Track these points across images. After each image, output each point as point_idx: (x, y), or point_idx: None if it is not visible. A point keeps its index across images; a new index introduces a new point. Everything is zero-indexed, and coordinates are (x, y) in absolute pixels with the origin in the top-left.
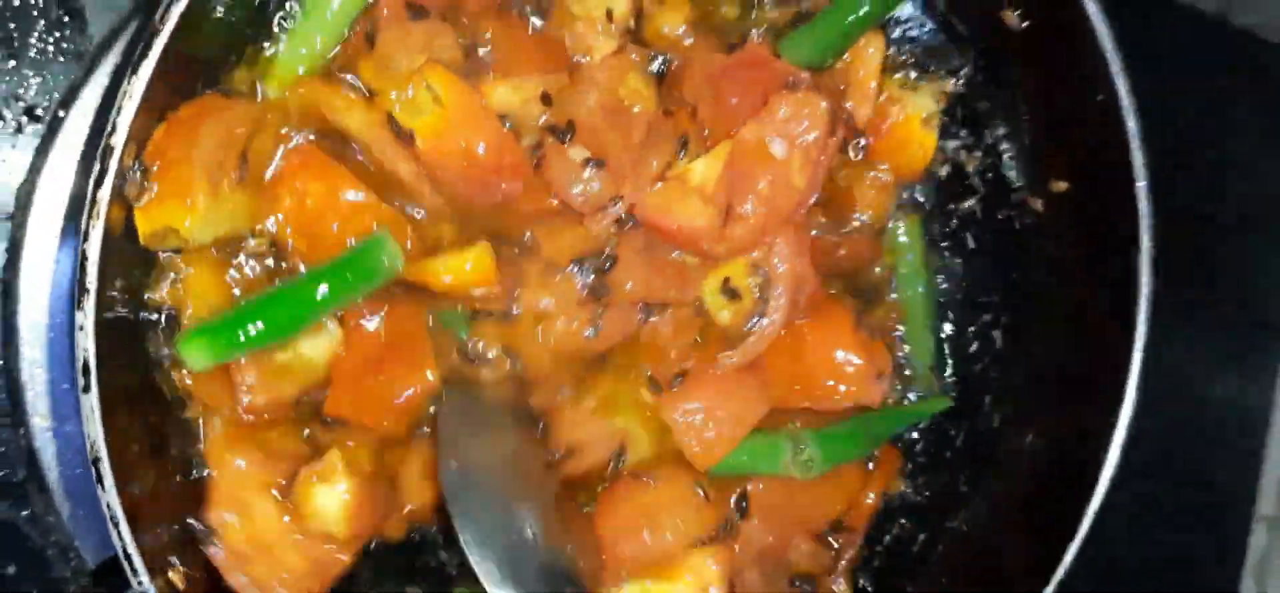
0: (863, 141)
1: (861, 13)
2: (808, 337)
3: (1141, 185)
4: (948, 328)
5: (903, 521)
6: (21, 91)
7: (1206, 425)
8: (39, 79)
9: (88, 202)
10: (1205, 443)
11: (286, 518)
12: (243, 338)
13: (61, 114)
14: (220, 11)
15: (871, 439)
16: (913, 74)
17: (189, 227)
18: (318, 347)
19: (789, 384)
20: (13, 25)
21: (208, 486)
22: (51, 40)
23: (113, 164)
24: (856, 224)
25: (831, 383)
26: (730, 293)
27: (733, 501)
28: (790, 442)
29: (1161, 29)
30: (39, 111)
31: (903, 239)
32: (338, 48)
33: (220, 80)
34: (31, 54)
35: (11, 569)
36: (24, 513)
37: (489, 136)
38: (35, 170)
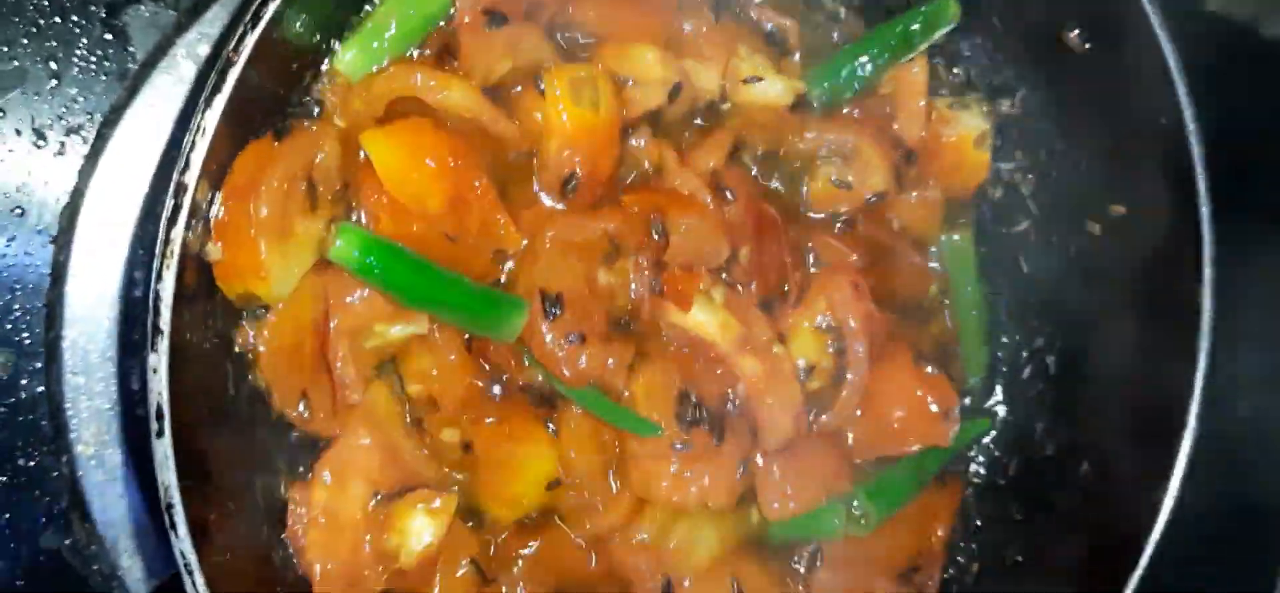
0: (914, 162)
1: (881, 56)
2: (872, 387)
3: (1205, 211)
4: (1000, 353)
5: (957, 553)
6: (65, 112)
7: (1247, 439)
8: (82, 99)
9: (160, 241)
10: (1247, 457)
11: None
12: (373, 262)
13: (105, 134)
14: (297, 27)
15: (921, 478)
16: (962, 94)
17: (268, 289)
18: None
19: (857, 435)
20: (55, 44)
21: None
22: (94, 59)
23: (186, 201)
24: (907, 250)
25: (901, 429)
26: (808, 370)
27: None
28: (842, 503)
29: (1189, 37)
30: (83, 132)
31: (957, 247)
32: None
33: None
34: (74, 73)
35: None
36: (67, 541)
37: (610, 152)
38: (79, 192)
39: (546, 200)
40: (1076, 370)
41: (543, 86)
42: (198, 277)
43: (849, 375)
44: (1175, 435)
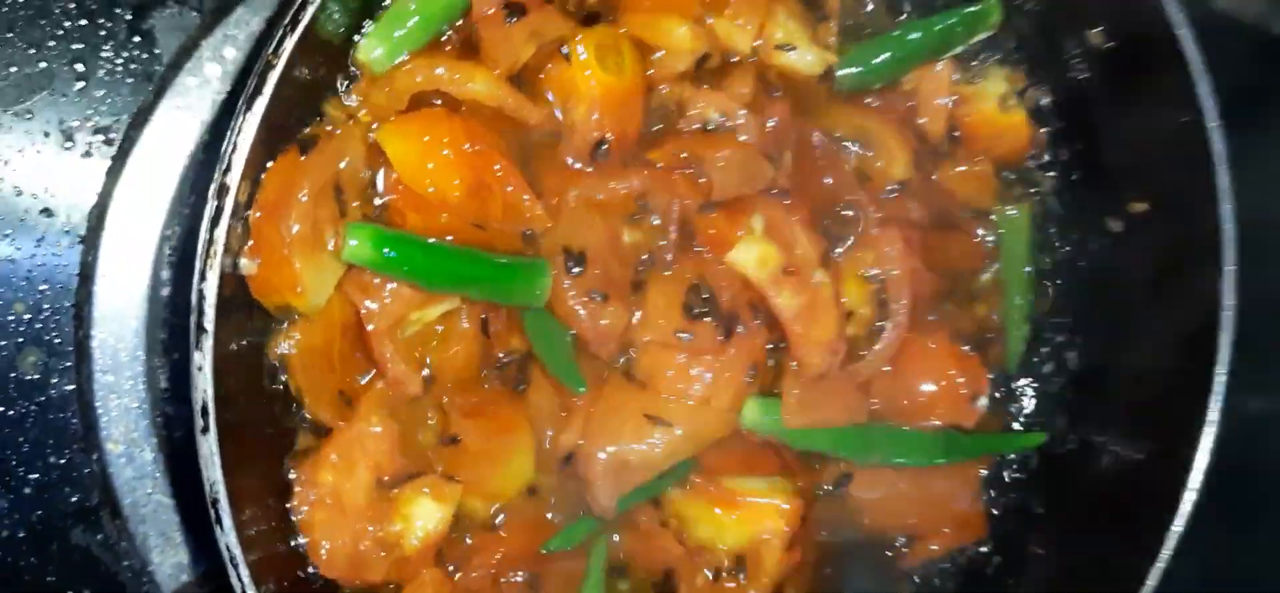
0: (957, 141)
1: (918, 50)
2: (906, 355)
3: (1227, 208)
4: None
5: (976, 544)
6: (92, 113)
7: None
8: (109, 101)
9: (204, 241)
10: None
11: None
12: (391, 254)
13: (132, 136)
14: (330, 26)
15: (937, 453)
16: (980, 66)
17: (305, 301)
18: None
19: (882, 397)
20: (81, 46)
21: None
22: (121, 61)
23: (228, 203)
24: (963, 217)
25: (926, 402)
26: (846, 315)
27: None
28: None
29: (1196, 35)
30: (110, 133)
31: (1013, 221)
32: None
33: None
34: (101, 75)
35: None
36: (98, 538)
37: (637, 114)
38: (106, 193)
39: (577, 167)
40: (1098, 365)
41: (567, 52)
42: (235, 285)
43: (888, 326)
44: (1197, 430)
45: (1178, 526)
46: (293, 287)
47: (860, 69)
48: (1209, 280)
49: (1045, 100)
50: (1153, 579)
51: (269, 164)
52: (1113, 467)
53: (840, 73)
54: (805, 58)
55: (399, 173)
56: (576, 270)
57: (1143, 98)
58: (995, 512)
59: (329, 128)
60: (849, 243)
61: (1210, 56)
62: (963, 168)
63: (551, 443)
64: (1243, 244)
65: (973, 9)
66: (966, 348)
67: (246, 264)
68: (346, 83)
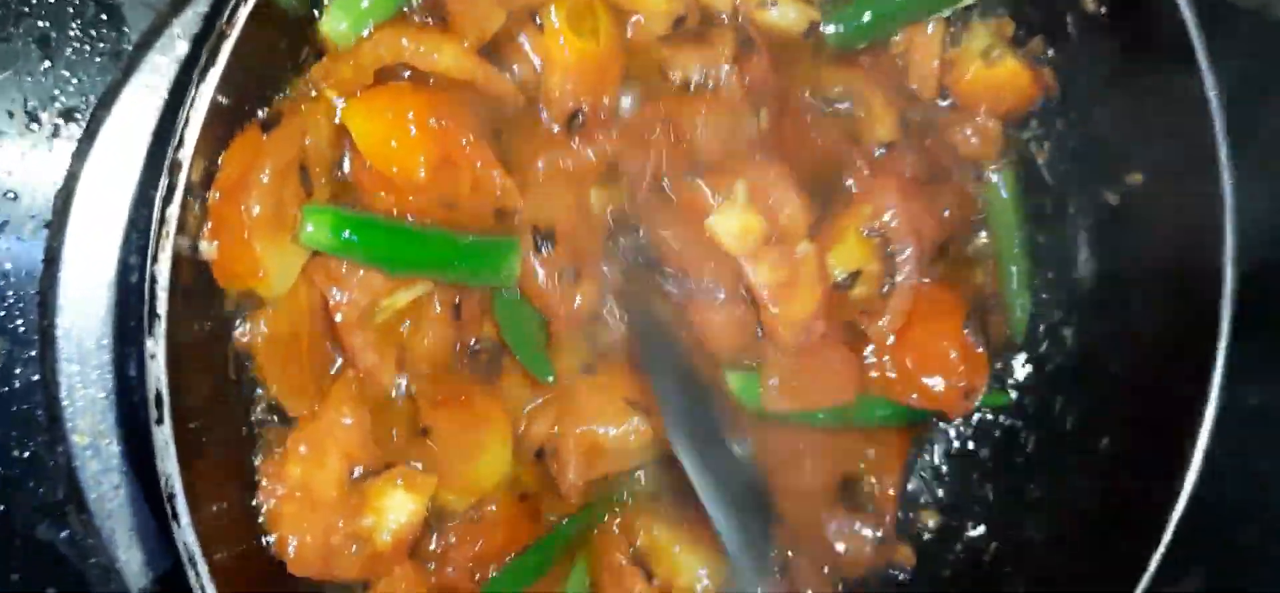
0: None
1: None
2: (918, 339)
3: (1227, 180)
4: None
5: (972, 529)
6: (57, 94)
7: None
8: (75, 81)
9: (155, 221)
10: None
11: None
12: (350, 238)
13: (100, 116)
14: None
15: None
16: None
17: (268, 287)
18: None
19: (879, 372)
20: (47, 24)
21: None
22: (88, 40)
23: (181, 180)
24: (958, 173)
25: (922, 389)
26: (852, 276)
27: None
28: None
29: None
30: (77, 114)
31: (993, 188)
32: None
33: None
34: (67, 54)
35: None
36: (63, 534)
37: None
38: (73, 176)
39: (552, 133)
40: (1095, 344)
41: (540, 22)
42: (195, 268)
43: (898, 279)
44: (1198, 414)
45: (1178, 511)
46: (254, 272)
47: (844, 27)
48: (1210, 263)
49: (1040, 53)
50: (1152, 564)
51: (231, 133)
52: (1110, 450)
53: (825, 30)
54: (788, 14)
55: (363, 151)
56: (546, 249)
57: (1137, 65)
58: (990, 496)
59: (293, 104)
60: (839, 206)
61: (1209, 40)
62: (968, 128)
63: (524, 433)
64: (1241, 228)
65: None
66: (980, 346)
67: (206, 247)
68: (311, 57)
